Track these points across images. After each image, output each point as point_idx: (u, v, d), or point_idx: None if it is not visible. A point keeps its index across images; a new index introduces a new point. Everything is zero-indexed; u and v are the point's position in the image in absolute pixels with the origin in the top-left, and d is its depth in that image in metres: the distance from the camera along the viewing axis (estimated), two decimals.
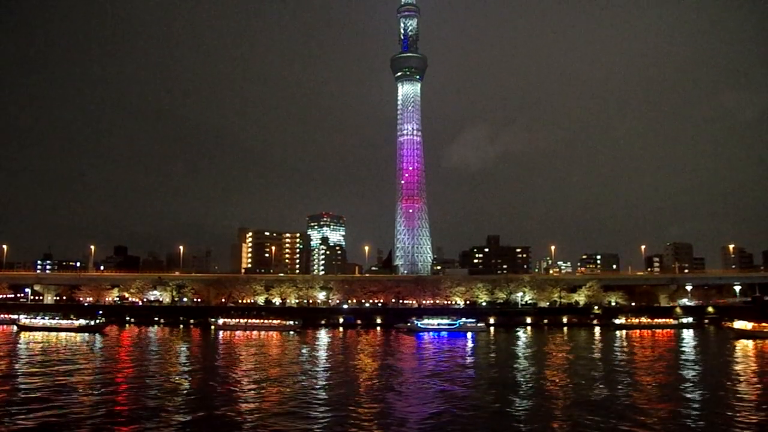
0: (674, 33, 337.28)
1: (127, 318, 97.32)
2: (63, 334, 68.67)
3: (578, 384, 32.56)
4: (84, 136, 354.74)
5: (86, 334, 69.69)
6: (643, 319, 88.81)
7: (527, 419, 23.89)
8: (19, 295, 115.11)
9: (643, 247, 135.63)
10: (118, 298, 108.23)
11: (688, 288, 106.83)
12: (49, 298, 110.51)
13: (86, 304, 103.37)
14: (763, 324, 67.08)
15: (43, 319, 77.02)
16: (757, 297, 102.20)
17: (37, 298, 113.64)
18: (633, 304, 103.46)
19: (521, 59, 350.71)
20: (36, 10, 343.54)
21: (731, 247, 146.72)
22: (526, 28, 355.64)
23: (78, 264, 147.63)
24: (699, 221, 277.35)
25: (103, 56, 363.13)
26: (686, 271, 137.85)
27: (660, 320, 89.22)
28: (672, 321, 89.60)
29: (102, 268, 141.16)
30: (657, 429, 22.22)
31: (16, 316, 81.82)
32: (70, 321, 75.83)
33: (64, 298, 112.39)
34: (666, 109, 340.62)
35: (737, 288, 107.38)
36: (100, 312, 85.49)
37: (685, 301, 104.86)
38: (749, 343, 59.62)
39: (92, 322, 75.38)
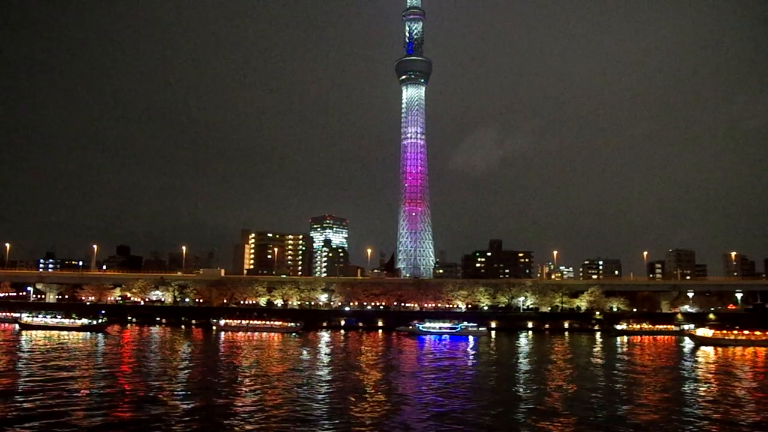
0: (683, 40, 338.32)
1: (129, 318, 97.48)
2: (65, 333, 68.79)
3: (575, 390, 32.68)
4: (88, 136, 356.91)
5: (88, 333, 69.88)
6: (645, 325, 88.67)
7: (524, 424, 23.98)
8: (21, 293, 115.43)
9: (645, 253, 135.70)
10: (120, 298, 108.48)
11: (690, 295, 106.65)
12: (51, 297, 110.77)
13: (88, 303, 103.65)
14: (724, 331, 67.42)
15: (45, 317, 77.16)
16: (758, 305, 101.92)
17: (39, 296, 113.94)
18: (635, 310, 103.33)
19: (526, 63, 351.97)
20: (39, 9, 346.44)
21: (733, 254, 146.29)
22: (531, 32, 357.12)
23: (80, 263, 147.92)
24: (702, 228, 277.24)
25: (109, 56, 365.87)
26: (688, 277, 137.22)
27: (661, 326, 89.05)
28: (673, 327, 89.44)
29: (104, 267, 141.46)
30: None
31: (18, 315, 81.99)
32: (72, 320, 76.01)
33: (66, 297, 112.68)
34: (672, 116, 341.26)
35: (738, 295, 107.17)
36: (103, 311, 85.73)
37: (686, 308, 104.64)
38: (710, 351, 59.53)
39: (94, 322, 75.57)
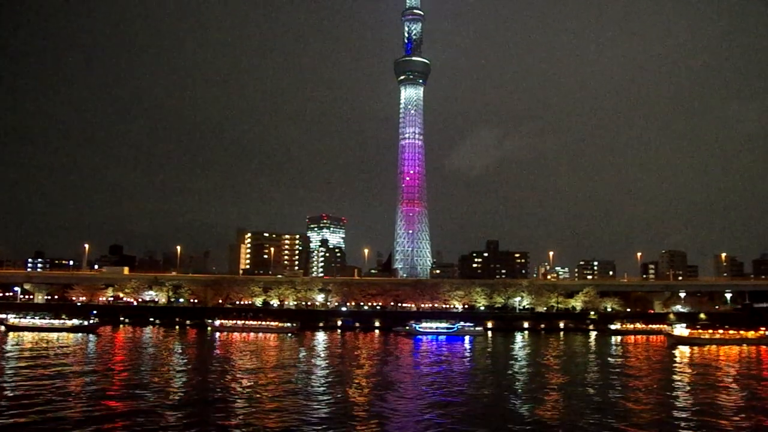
0: (680, 43, 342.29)
1: (122, 318, 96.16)
2: (54, 335, 67.46)
3: (571, 388, 32.78)
4: (79, 133, 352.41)
5: (79, 334, 68.56)
6: (638, 325, 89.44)
7: (521, 422, 23.86)
8: (7, 294, 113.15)
9: (639, 254, 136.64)
10: (112, 298, 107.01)
11: (682, 295, 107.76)
12: (39, 298, 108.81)
13: (79, 303, 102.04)
14: (700, 330, 68.52)
15: (33, 318, 75.46)
16: (746, 304, 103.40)
17: (27, 297, 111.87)
18: (628, 309, 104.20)
19: (525, 65, 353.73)
20: (32, 6, 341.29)
21: (723, 255, 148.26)
22: (530, 34, 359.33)
23: (71, 263, 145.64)
24: (694, 230, 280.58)
25: (102, 53, 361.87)
26: (680, 278, 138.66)
27: (654, 326, 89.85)
28: (665, 327, 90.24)
29: (96, 267, 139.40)
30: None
31: (4, 316, 79.91)
32: (62, 321, 74.51)
33: (56, 297, 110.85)
34: (666, 120, 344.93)
35: (728, 295, 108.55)
36: (94, 312, 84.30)
37: (678, 308, 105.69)
38: (686, 350, 59.80)
39: (85, 322, 74.17)
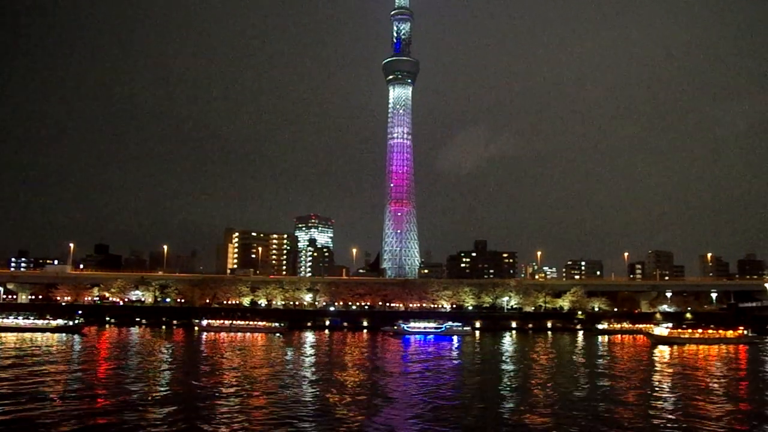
0: (666, 46, 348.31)
1: (107, 318, 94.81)
2: (38, 335, 66.48)
3: (558, 387, 33.22)
4: (65, 131, 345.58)
5: (63, 334, 67.66)
6: (625, 325, 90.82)
7: (501, 422, 24.20)
8: None
9: (626, 254, 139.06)
10: (97, 298, 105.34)
11: (668, 295, 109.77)
12: (23, 298, 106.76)
13: (63, 303, 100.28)
14: (680, 330, 69.57)
15: (17, 318, 74.34)
16: (731, 304, 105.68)
17: (11, 297, 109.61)
18: (615, 309, 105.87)
19: (514, 64, 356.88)
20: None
21: (709, 255, 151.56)
22: (519, 34, 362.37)
23: (56, 262, 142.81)
24: (680, 230, 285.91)
25: (90, 52, 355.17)
26: (666, 278, 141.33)
27: (641, 326, 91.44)
28: (652, 326, 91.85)
29: (81, 266, 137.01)
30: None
31: None
32: (46, 321, 73.45)
33: (40, 297, 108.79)
34: (653, 122, 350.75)
35: (714, 295, 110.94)
36: (79, 312, 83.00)
37: (665, 308, 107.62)
38: (666, 349, 60.43)
39: (70, 323, 73.18)
